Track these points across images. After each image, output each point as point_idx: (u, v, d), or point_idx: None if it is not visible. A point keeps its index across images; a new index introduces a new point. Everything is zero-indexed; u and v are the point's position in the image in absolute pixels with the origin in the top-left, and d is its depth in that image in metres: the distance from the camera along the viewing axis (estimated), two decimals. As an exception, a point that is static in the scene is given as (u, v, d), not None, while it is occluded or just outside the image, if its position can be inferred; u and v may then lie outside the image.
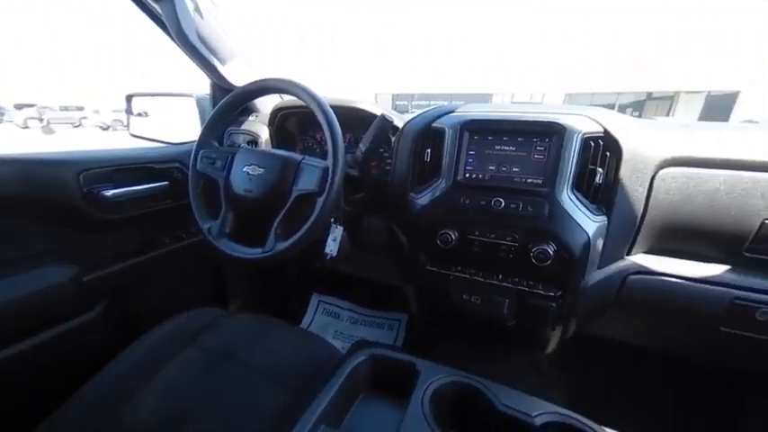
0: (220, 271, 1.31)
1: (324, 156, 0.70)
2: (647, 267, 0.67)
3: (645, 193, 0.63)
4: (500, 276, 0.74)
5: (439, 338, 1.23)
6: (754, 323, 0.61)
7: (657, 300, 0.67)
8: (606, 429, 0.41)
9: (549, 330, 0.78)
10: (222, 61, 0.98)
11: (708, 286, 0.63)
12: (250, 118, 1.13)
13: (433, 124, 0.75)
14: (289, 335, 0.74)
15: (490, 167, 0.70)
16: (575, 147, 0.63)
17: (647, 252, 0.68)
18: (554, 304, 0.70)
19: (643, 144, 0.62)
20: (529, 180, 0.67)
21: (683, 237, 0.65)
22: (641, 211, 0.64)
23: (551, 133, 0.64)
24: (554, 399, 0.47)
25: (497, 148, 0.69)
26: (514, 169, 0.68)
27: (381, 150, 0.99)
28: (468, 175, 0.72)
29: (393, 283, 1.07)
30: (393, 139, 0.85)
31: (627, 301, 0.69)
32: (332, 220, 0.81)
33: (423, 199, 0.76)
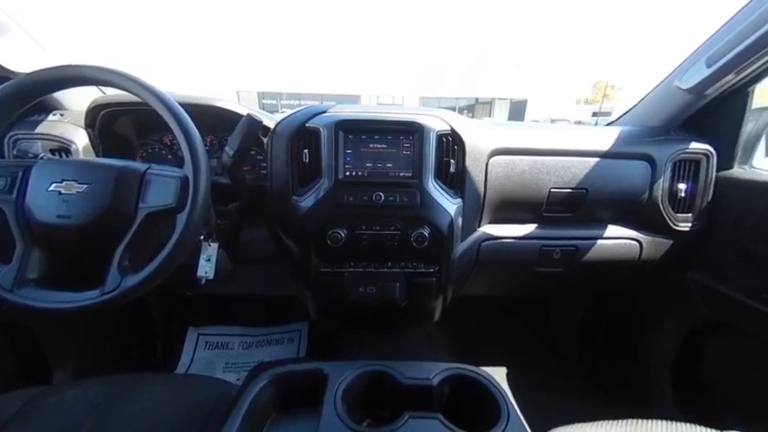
0: (31, 334, 0.93)
1: (179, 163, 0.59)
2: (492, 234, 0.86)
3: (483, 177, 0.80)
4: (389, 264, 0.81)
5: (341, 336, 1.25)
6: (553, 261, 0.88)
7: (500, 257, 0.87)
8: (483, 369, 0.51)
9: (434, 301, 0.90)
10: None
11: (527, 241, 0.87)
12: (51, 117, 0.82)
13: (307, 124, 0.74)
14: (158, 389, 0.59)
15: (367, 164, 0.74)
16: (432, 142, 0.74)
17: (491, 222, 0.88)
18: (434, 279, 0.82)
19: (478, 139, 0.79)
20: (401, 174, 0.75)
21: (509, 207, 0.86)
22: (483, 191, 0.81)
23: (414, 131, 0.74)
24: (444, 358, 0.55)
25: (371, 146, 0.74)
26: (388, 165, 0.75)
27: (254, 153, 0.90)
28: (348, 173, 0.74)
29: (286, 293, 1.00)
30: (265, 140, 0.79)
31: (483, 263, 0.88)
32: (201, 237, 0.69)
33: (306, 201, 0.74)
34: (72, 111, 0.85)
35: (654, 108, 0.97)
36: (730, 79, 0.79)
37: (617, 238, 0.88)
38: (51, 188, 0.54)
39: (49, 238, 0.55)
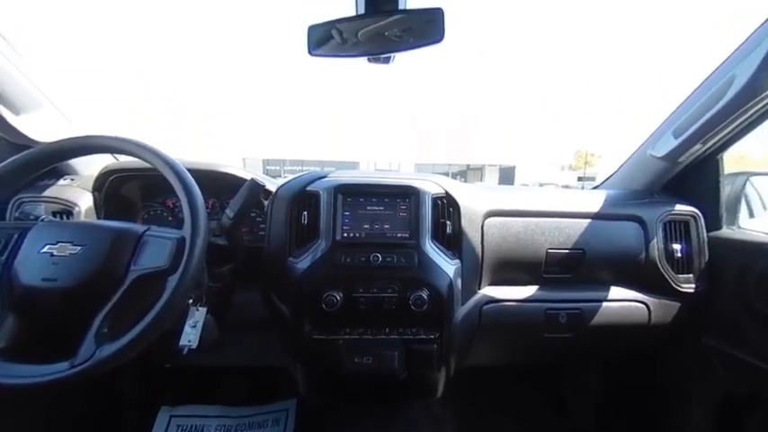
0: None
1: (179, 225, 0.59)
2: (493, 297, 0.83)
3: (479, 238, 0.81)
4: (387, 330, 0.76)
5: (334, 416, 1.10)
6: (560, 325, 0.83)
7: (504, 320, 0.83)
8: None
9: (436, 373, 0.83)
10: (16, 111, 0.75)
11: (531, 304, 0.84)
12: (61, 182, 0.86)
13: (308, 188, 0.77)
14: None
15: (365, 226, 0.75)
16: (428, 205, 0.76)
17: (492, 284, 0.86)
18: (435, 345, 0.76)
19: (472, 201, 0.82)
20: (399, 234, 0.75)
21: (508, 268, 0.85)
22: (480, 252, 0.81)
23: (410, 194, 0.77)
24: None
25: (369, 208, 0.76)
26: (386, 226, 0.76)
27: (254, 215, 0.92)
28: (345, 234, 0.74)
29: (274, 365, 0.92)
30: (266, 203, 0.81)
31: (486, 327, 0.83)
32: (190, 301, 0.66)
33: (303, 262, 0.73)
34: (82, 176, 0.89)
35: (634, 173, 1.03)
36: (699, 148, 0.86)
37: (623, 300, 0.86)
38: (44, 250, 0.53)
39: (28, 302, 0.52)
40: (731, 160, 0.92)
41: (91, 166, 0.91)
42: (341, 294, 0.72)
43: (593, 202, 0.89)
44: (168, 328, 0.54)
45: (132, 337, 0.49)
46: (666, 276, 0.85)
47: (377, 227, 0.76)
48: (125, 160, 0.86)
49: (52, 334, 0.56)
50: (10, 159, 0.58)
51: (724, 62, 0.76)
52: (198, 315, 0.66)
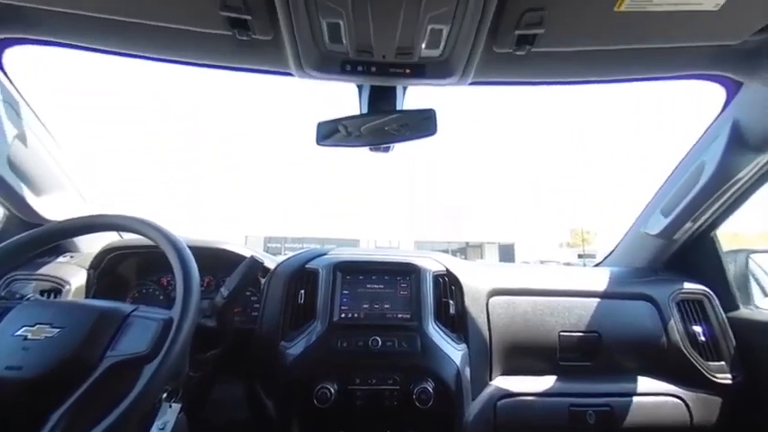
0: None
1: (169, 305, 0.56)
2: (508, 390, 0.74)
3: (485, 319, 0.76)
4: None
5: None
6: (588, 426, 0.72)
7: (523, 420, 0.72)
8: None
9: None
10: (38, 192, 0.79)
11: (552, 399, 0.74)
12: (60, 259, 0.85)
13: (307, 265, 0.76)
14: None
15: (364, 305, 0.72)
16: (429, 282, 0.74)
17: (504, 374, 0.77)
18: None
19: (475, 279, 0.80)
20: (399, 315, 0.71)
21: (519, 354, 0.77)
22: (487, 334, 0.75)
23: (410, 272, 0.75)
24: None
25: (368, 286, 0.74)
26: (386, 306, 0.72)
27: (248, 294, 0.89)
28: (343, 315, 0.70)
29: None
30: (263, 281, 0.79)
31: (502, 428, 0.71)
32: (164, 395, 0.58)
33: (296, 348, 0.67)
34: (83, 253, 0.89)
35: (633, 251, 1.04)
36: (690, 226, 0.88)
37: (656, 394, 0.76)
38: (19, 332, 0.49)
39: None
40: (725, 237, 0.94)
41: (92, 243, 0.92)
42: (335, 387, 0.64)
43: (599, 279, 0.86)
44: (131, 429, 0.46)
45: None
46: (696, 364, 0.77)
47: (376, 306, 0.72)
48: (128, 237, 0.87)
49: (4, 429, 0.48)
50: (14, 238, 0.59)
51: (693, 147, 0.83)
52: (169, 414, 0.58)
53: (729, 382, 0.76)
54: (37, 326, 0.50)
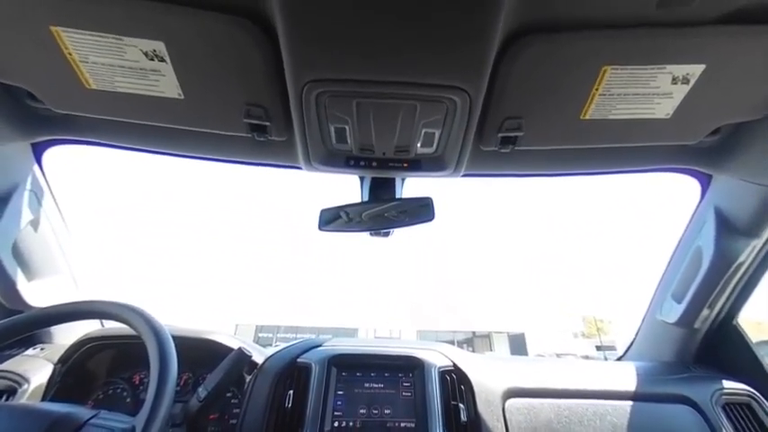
0: None
1: (135, 409, 0.49)
2: None
3: (503, 429, 0.65)
4: None
5: None
6: None
7: None
8: None
9: None
10: (31, 276, 0.78)
11: None
12: (29, 351, 0.77)
13: (299, 359, 0.69)
14: None
15: (361, 411, 0.62)
16: (435, 381, 0.66)
17: None
18: None
19: (487, 377, 0.71)
20: (403, 424, 0.61)
21: None
22: None
23: (413, 367, 0.68)
24: None
25: (366, 386, 0.65)
26: (386, 411, 0.62)
27: (229, 396, 0.77)
28: (336, 423, 0.60)
29: None
30: (248, 379, 0.70)
31: None
32: None
33: (277, 470, 0.55)
34: (56, 344, 0.82)
35: (656, 342, 0.95)
36: (708, 313, 0.83)
37: None
38: None
39: None
40: (749, 325, 0.87)
41: (70, 335, 0.85)
42: None
43: (628, 377, 0.77)
44: None
45: None
46: None
47: (375, 412, 0.62)
48: (109, 326, 0.81)
49: None
50: None
51: (686, 231, 0.85)
52: None
53: None
54: None
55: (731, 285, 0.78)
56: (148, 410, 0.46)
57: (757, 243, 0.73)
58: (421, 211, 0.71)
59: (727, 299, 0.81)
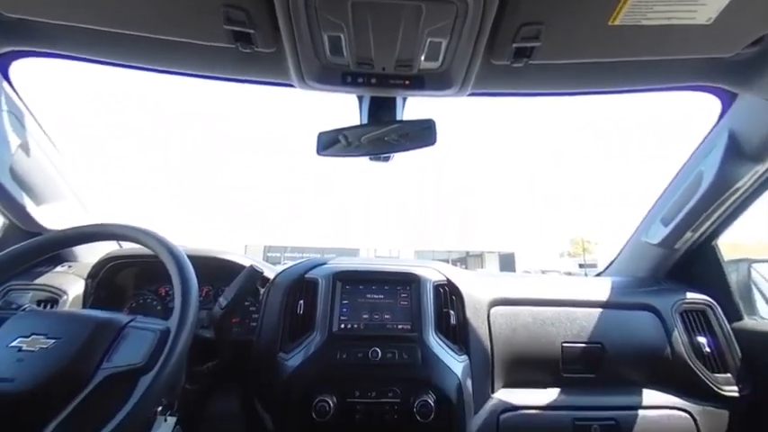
0: None
1: (167, 315, 0.56)
2: (511, 403, 0.72)
3: (487, 330, 0.75)
4: None
5: None
6: None
7: None
8: None
9: None
10: (38, 201, 0.80)
11: (555, 412, 0.72)
12: (58, 269, 0.85)
13: (307, 275, 0.76)
14: None
15: (364, 316, 0.71)
16: (429, 293, 0.74)
17: (506, 386, 0.76)
18: None
19: (476, 289, 0.80)
20: (400, 326, 0.70)
21: (522, 365, 0.76)
22: (489, 345, 0.74)
23: (411, 282, 0.75)
24: None
25: (368, 296, 0.73)
26: (386, 316, 0.71)
27: (247, 304, 0.88)
28: (343, 325, 0.70)
29: None
30: (262, 291, 0.78)
31: None
32: (159, 408, 0.57)
33: (294, 360, 0.66)
34: (81, 263, 0.89)
35: (635, 261, 1.03)
36: (690, 236, 0.88)
37: (662, 407, 0.74)
38: (14, 343, 0.49)
39: None
40: (726, 247, 0.93)
41: (92, 253, 0.91)
42: (334, 400, 0.62)
43: (602, 290, 0.86)
44: None
45: None
46: (701, 376, 0.75)
47: (376, 317, 0.71)
48: (128, 247, 0.87)
49: None
50: (12, 247, 0.59)
51: (691, 156, 0.84)
52: (164, 428, 0.56)
53: (737, 394, 0.75)
54: (32, 337, 0.50)
55: (721, 209, 0.81)
56: (178, 314, 0.53)
57: (760, 168, 0.72)
58: (422, 134, 0.69)
59: (713, 222, 0.85)
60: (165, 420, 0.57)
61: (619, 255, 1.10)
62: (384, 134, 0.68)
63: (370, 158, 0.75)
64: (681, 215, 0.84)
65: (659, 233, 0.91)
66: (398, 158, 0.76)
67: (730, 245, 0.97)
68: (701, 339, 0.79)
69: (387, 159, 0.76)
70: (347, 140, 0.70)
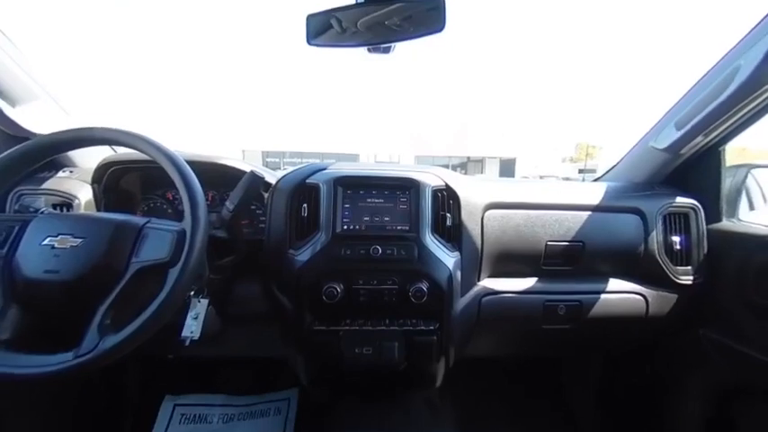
0: None
1: (178, 218, 0.59)
2: (493, 289, 0.84)
3: (479, 231, 0.81)
4: (387, 321, 0.77)
5: (336, 405, 1.13)
6: (558, 317, 0.84)
7: (503, 313, 0.84)
8: None
9: (435, 363, 0.84)
10: (12, 102, 0.74)
11: (530, 296, 0.85)
12: (60, 174, 0.85)
13: (308, 180, 0.77)
14: None
15: (365, 218, 0.76)
16: (428, 197, 0.76)
17: (491, 276, 0.86)
18: (435, 337, 0.77)
19: (472, 194, 0.82)
20: (399, 227, 0.76)
21: (507, 260, 0.85)
22: (480, 244, 0.82)
23: (410, 187, 0.77)
24: (449, 430, 0.49)
25: (369, 201, 0.76)
26: (386, 218, 0.76)
27: (254, 207, 0.92)
28: (345, 227, 0.75)
29: (276, 356, 0.93)
30: (266, 195, 0.81)
31: (485, 319, 0.84)
32: (191, 293, 0.66)
33: (303, 255, 0.74)
34: (81, 168, 0.89)
35: (635, 166, 1.03)
36: (700, 140, 0.85)
37: (621, 292, 0.86)
38: (45, 242, 0.53)
39: (30, 294, 0.52)
40: (733, 152, 0.92)
41: (89, 158, 0.90)
42: (341, 286, 0.72)
43: (594, 194, 0.88)
44: (170, 320, 0.55)
45: (135, 328, 0.50)
46: (665, 268, 0.85)
47: (377, 219, 0.76)
48: (123, 152, 0.85)
49: (55, 325, 0.57)
50: (6, 152, 0.58)
51: (728, 53, 0.74)
52: (200, 307, 0.67)
53: (690, 282, 0.86)
54: (60, 236, 0.54)
55: (743, 112, 0.76)
56: (191, 216, 0.56)
57: None
58: (429, 16, 0.59)
59: (729, 126, 0.81)
60: (199, 302, 0.67)
61: (621, 161, 1.09)
62: (384, 17, 0.58)
63: (369, 50, 0.66)
64: (698, 118, 0.80)
65: (669, 137, 0.88)
66: (400, 50, 0.67)
67: (738, 149, 0.95)
68: (675, 238, 0.86)
69: (387, 51, 0.67)
70: (341, 26, 0.60)
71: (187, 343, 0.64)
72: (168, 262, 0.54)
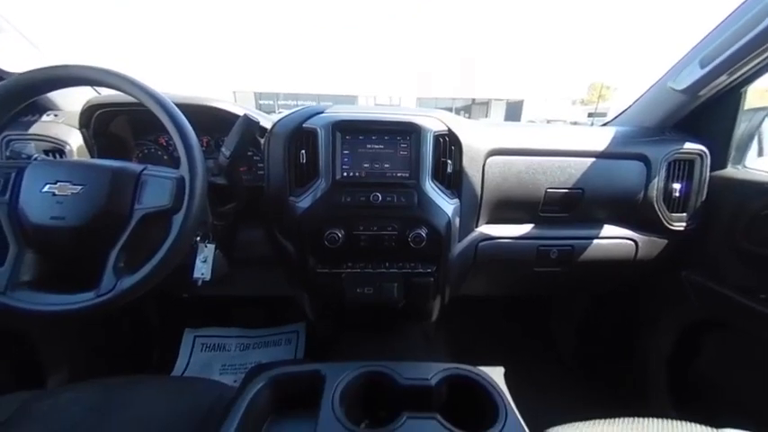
0: (24, 338, 0.91)
1: (175, 164, 0.58)
2: (490, 234, 0.86)
3: (480, 178, 0.81)
4: (387, 264, 0.81)
5: (340, 337, 1.25)
6: (550, 261, 0.88)
7: (498, 257, 0.88)
8: (481, 368, 0.51)
9: (432, 301, 0.90)
10: None
11: (525, 241, 0.87)
12: (45, 118, 0.82)
13: (305, 125, 0.73)
14: (154, 392, 0.58)
15: (365, 165, 0.74)
16: (429, 143, 0.74)
17: (489, 222, 0.88)
18: (432, 279, 0.82)
19: (475, 140, 0.79)
20: (399, 174, 0.75)
21: (506, 207, 0.86)
22: (480, 191, 0.82)
23: (411, 132, 0.74)
24: (442, 359, 0.55)
25: (368, 146, 0.74)
26: (386, 165, 0.74)
27: (251, 154, 0.90)
28: (345, 173, 0.74)
29: (284, 294, 1.00)
30: (262, 141, 0.78)
31: (480, 262, 0.88)
32: (197, 238, 0.69)
33: (304, 202, 0.74)
34: (66, 111, 0.85)
35: (648, 109, 0.98)
36: (723, 80, 0.79)
37: (613, 237, 0.89)
38: (45, 189, 0.53)
39: (43, 239, 0.54)
40: (756, 93, 0.86)
41: (72, 102, 0.85)
42: (342, 232, 0.74)
43: (600, 140, 0.85)
44: (181, 262, 0.57)
45: (148, 270, 0.53)
46: (661, 215, 0.86)
47: (377, 166, 0.74)
48: (108, 94, 0.80)
49: (71, 269, 0.60)
50: None
51: None
52: (207, 251, 0.70)
53: (682, 228, 0.88)
54: (59, 183, 0.53)
55: None
56: (187, 164, 0.55)
57: None
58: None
59: (756, 65, 0.74)
60: (206, 246, 0.70)
61: (634, 103, 1.03)
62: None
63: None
64: (725, 55, 0.73)
65: (690, 76, 0.82)
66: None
67: (761, 90, 0.89)
68: (676, 186, 0.85)
69: None
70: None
71: (199, 284, 0.69)
72: (171, 209, 0.55)
